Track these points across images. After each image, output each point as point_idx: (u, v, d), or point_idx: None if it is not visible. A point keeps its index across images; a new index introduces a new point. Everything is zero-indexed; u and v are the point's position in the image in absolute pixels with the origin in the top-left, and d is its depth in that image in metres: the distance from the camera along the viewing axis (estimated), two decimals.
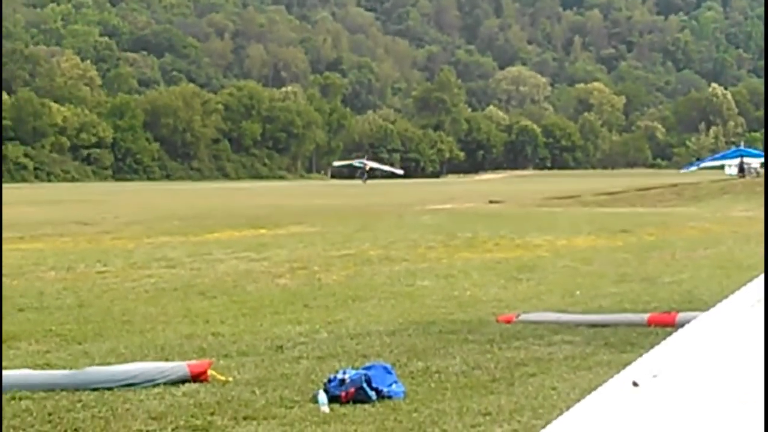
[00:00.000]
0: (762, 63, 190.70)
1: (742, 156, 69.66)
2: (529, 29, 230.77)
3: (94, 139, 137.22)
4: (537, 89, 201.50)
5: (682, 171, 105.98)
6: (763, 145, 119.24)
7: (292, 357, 10.46)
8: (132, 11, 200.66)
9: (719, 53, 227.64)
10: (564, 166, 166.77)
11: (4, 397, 8.62)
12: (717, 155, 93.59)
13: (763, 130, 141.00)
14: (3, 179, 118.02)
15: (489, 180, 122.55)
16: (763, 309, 2.37)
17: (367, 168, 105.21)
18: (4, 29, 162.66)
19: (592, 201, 47.13)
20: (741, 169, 66.60)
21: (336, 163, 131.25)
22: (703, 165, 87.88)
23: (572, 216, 36.16)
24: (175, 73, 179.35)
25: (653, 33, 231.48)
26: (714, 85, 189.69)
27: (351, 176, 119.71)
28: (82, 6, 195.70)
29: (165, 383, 9.03)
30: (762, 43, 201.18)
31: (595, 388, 2.34)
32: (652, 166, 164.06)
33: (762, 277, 2.44)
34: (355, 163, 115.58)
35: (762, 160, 67.67)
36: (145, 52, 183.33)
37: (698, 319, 2.45)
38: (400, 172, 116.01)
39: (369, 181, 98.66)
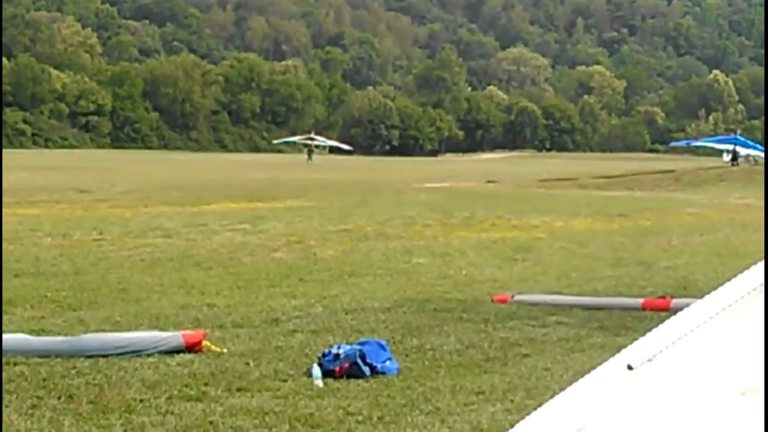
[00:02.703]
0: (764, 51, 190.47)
1: (735, 144, 69.12)
2: (531, 10, 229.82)
3: (93, 107, 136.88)
4: (538, 70, 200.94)
5: (671, 144, 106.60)
6: (761, 133, 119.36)
7: (286, 330, 10.50)
8: None
9: (721, 40, 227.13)
10: (563, 148, 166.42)
11: None
12: (710, 138, 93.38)
13: (762, 118, 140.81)
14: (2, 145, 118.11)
15: (487, 160, 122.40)
16: (762, 296, 2.38)
17: (313, 145, 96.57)
18: None
19: (590, 184, 47.11)
20: (734, 157, 66.13)
21: (276, 141, 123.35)
22: (693, 144, 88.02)
23: (570, 198, 36.16)
24: (176, 43, 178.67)
25: (656, 17, 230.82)
26: (715, 71, 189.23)
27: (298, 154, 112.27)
28: None
29: (160, 353, 9.06)
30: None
31: (588, 371, 2.36)
32: (650, 150, 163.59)
33: (761, 263, 2.45)
34: (293, 139, 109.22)
35: (759, 153, 67.11)
36: (146, 21, 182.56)
37: (695, 304, 2.47)
38: (348, 147, 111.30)
39: (316, 157, 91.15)
